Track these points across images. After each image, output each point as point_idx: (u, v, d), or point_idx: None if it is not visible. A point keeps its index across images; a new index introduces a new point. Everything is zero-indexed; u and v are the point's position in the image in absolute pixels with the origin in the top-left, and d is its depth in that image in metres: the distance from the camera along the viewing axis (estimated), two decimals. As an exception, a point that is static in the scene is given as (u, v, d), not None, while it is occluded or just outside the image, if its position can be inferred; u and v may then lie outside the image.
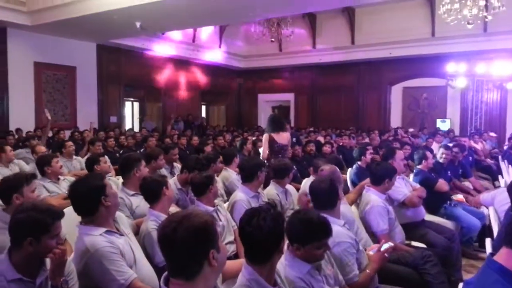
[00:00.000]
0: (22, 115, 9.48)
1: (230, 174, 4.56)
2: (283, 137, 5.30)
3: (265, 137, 5.34)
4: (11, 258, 1.75)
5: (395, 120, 13.77)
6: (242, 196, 3.24)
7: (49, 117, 7.15)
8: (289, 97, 15.89)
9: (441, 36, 11.65)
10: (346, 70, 14.18)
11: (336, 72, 14.37)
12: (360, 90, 14.28)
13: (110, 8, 7.71)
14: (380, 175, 3.30)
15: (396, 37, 12.28)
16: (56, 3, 8.28)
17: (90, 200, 2.13)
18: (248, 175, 3.37)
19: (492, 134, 10.08)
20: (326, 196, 2.49)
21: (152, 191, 2.63)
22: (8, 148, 4.99)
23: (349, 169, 5.09)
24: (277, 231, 1.66)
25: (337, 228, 2.35)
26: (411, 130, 10.75)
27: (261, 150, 5.56)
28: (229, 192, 4.26)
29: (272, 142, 5.22)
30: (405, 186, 3.84)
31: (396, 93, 13.87)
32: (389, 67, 13.42)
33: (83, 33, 9.88)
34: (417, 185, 4.05)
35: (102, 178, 2.27)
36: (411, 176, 4.50)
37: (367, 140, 8.43)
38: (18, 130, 8.67)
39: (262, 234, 1.62)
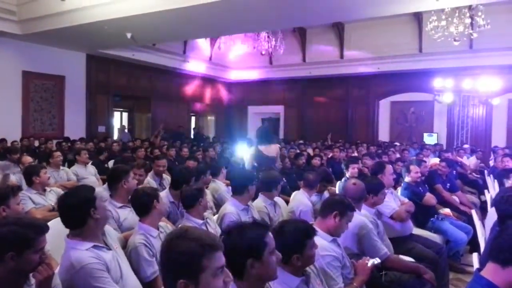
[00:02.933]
0: (8, 125, 9.32)
1: (219, 186, 4.54)
2: (272, 150, 5.37)
3: (251, 150, 5.40)
4: (-7, 274, 1.71)
5: (383, 133, 13.93)
6: (232, 209, 3.22)
7: None
8: (279, 109, 15.98)
9: (428, 52, 11.88)
10: (335, 83, 14.34)
11: (325, 86, 14.53)
12: (349, 103, 14.43)
13: (101, 19, 7.69)
14: (367, 189, 3.31)
15: (384, 52, 12.50)
16: (47, 13, 8.23)
17: (78, 212, 2.10)
18: (238, 187, 3.36)
19: (465, 145, 10.32)
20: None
21: (143, 204, 2.59)
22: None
23: (338, 182, 5.11)
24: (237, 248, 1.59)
25: (322, 242, 2.38)
26: (397, 144, 10.86)
27: None
28: (218, 204, 4.24)
29: (260, 154, 5.27)
30: (393, 201, 3.87)
31: (384, 107, 14.05)
32: (377, 81, 13.63)
33: (73, 42, 9.84)
34: (406, 199, 4.08)
35: (92, 190, 2.24)
36: (399, 190, 4.54)
37: (355, 153, 8.49)
38: (2, 140, 8.46)
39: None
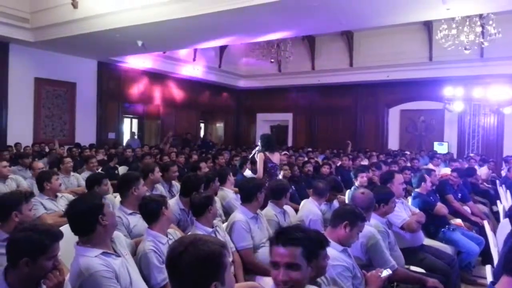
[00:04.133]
0: (20, 130, 9.46)
1: (227, 194, 4.53)
2: (276, 157, 5.68)
3: (260, 157, 5.50)
4: (7, 278, 1.73)
5: (393, 142, 13.85)
6: (241, 217, 3.20)
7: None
8: (288, 117, 15.98)
9: (439, 60, 11.83)
10: (344, 91, 14.31)
11: (334, 94, 14.51)
12: (358, 111, 14.39)
13: (113, 27, 7.80)
14: (376, 199, 3.29)
15: (394, 61, 12.47)
16: (59, 21, 8.37)
17: (87, 219, 2.12)
18: (248, 195, 3.34)
19: (471, 154, 10.20)
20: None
21: (151, 211, 2.60)
22: (3, 163, 4.94)
23: (348, 191, 5.08)
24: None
25: (333, 252, 2.35)
26: (407, 153, 10.77)
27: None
28: (226, 212, 4.24)
29: (266, 161, 5.46)
30: (404, 211, 3.83)
31: (393, 115, 13.98)
32: (386, 89, 13.58)
33: (84, 50, 9.97)
34: (417, 210, 4.04)
35: (100, 197, 2.25)
36: (410, 199, 4.50)
37: (365, 162, 8.43)
38: (17, 144, 8.64)
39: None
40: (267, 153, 5.53)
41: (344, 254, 2.44)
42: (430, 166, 7.65)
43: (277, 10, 6.52)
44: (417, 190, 4.47)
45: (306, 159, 8.07)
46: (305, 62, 14.44)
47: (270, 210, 3.63)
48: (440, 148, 12.34)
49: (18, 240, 1.73)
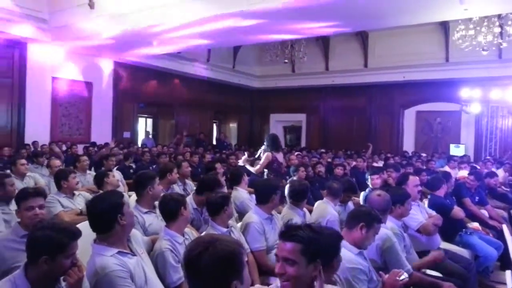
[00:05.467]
0: (37, 129, 9.62)
1: (241, 194, 4.53)
2: (281, 157, 5.94)
3: (267, 156, 5.68)
4: (27, 274, 1.76)
5: (408, 143, 13.69)
6: (256, 218, 3.19)
7: None
8: (301, 117, 15.94)
9: (455, 61, 11.67)
10: (358, 92, 14.21)
11: (349, 94, 14.42)
12: (372, 112, 14.27)
13: (128, 27, 7.88)
14: (392, 200, 3.24)
15: (409, 61, 12.35)
16: (76, 21, 8.50)
17: (106, 217, 2.14)
18: (263, 196, 3.32)
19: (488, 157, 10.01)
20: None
21: (170, 210, 2.62)
22: (21, 161, 5.03)
23: (362, 193, 5.03)
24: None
25: (349, 254, 2.35)
26: (423, 155, 10.63)
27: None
28: (240, 212, 4.24)
29: (272, 160, 5.66)
30: (420, 213, 3.78)
31: (409, 117, 13.83)
32: (402, 90, 13.44)
33: (101, 50, 10.10)
34: (433, 212, 3.98)
35: (121, 196, 2.27)
36: (426, 202, 4.44)
37: (380, 163, 8.35)
38: (34, 142, 8.80)
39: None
40: (274, 153, 5.73)
41: (360, 257, 2.42)
42: (447, 168, 7.53)
43: (291, 10, 6.50)
44: (433, 192, 4.41)
45: (320, 160, 8.02)
46: (319, 62, 14.39)
47: (289, 213, 3.57)
48: (457, 150, 12.14)
49: (38, 238, 1.76)
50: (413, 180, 4.07)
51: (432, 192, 4.45)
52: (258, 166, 5.77)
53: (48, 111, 10.05)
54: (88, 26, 8.41)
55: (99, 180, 4.16)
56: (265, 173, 5.71)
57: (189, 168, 5.43)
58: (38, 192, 2.65)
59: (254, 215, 3.25)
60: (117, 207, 2.16)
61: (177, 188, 4.72)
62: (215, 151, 10.32)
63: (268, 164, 5.66)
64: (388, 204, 3.10)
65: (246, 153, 6.91)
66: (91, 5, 8.06)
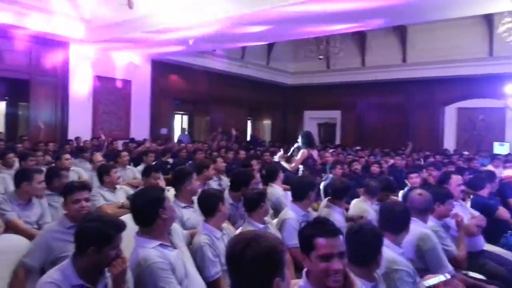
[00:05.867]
0: (80, 125, 10.03)
1: (276, 191, 4.53)
2: (316, 154, 6.04)
3: (303, 152, 5.74)
4: (75, 264, 1.85)
5: (449, 141, 13.20)
6: (292, 215, 3.19)
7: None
8: (336, 114, 15.74)
9: (500, 55, 11.12)
10: (396, 88, 13.82)
11: (386, 90, 14.06)
12: (410, 109, 13.86)
13: (166, 26, 8.05)
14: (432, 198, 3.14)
15: (450, 56, 11.89)
16: (116, 21, 8.76)
17: (149, 211, 2.20)
18: (300, 193, 3.31)
19: None
20: (396, 220, 2.44)
21: (209, 205, 2.67)
22: (66, 156, 5.28)
23: (401, 192, 4.91)
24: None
25: (393, 254, 2.29)
26: (466, 153, 10.22)
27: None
28: (275, 208, 4.25)
29: (308, 157, 5.73)
30: (463, 214, 3.64)
31: (450, 114, 13.34)
32: (442, 86, 12.96)
33: (139, 48, 10.37)
34: (476, 213, 3.83)
35: (162, 191, 2.34)
36: (469, 202, 4.27)
37: (419, 162, 8.11)
38: (77, 138, 9.18)
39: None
40: (310, 150, 5.80)
41: (404, 257, 2.36)
42: (490, 167, 7.21)
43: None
44: (476, 192, 4.24)
45: (355, 157, 7.89)
46: (355, 58, 14.12)
47: (330, 211, 3.54)
48: (501, 149, 11.60)
49: (86, 230, 1.84)
50: (456, 179, 3.93)
51: (475, 192, 4.28)
52: (293, 163, 5.81)
53: (90, 108, 10.44)
54: (127, 26, 8.65)
55: (49, 178, 3.84)
56: (300, 170, 5.70)
57: (224, 164, 5.50)
58: (84, 186, 2.76)
59: (290, 212, 3.25)
60: (158, 202, 2.23)
61: (213, 184, 4.80)
62: (249, 148, 10.36)
63: (303, 161, 5.70)
64: (429, 204, 3.01)
65: (281, 149, 6.92)
66: (130, 5, 8.30)
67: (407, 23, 12.09)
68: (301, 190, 3.31)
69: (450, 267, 2.72)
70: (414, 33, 12.86)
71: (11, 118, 10.24)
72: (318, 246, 1.63)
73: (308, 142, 5.94)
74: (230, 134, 11.32)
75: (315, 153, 5.99)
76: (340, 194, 3.59)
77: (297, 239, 3.02)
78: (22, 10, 8.16)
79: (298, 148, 6.01)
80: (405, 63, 13.13)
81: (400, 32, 13.04)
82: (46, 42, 9.37)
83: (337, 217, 3.43)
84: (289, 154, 6.78)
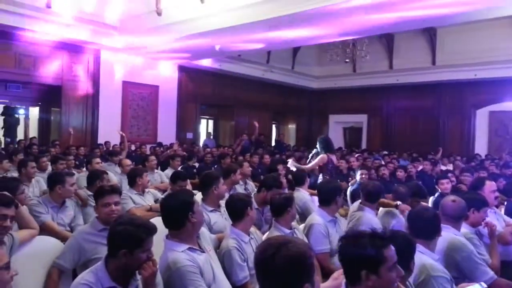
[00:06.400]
0: (109, 129, 10.26)
1: (303, 195, 4.51)
2: (335, 158, 6.09)
3: (323, 158, 5.77)
4: (107, 266, 1.89)
5: (480, 146, 12.76)
6: (320, 220, 3.16)
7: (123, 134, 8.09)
8: (362, 118, 15.50)
9: (534, 57, 10.71)
10: (425, 91, 13.50)
11: (414, 94, 13.76)
12: (440, 113, 13.49)
13: (193, 32, 8.18)
14: (467, 205, 3.04)
15: (482, 58, 11.52)
16: (145, 27, 8.97)
17: (178, 214, 2.23)
18: (327, 198, 3.29)
19: None
20: (427, 226, 2.38)
21: (237, 209, 2.68)
22: (96, 160, 5.43)
23: (431, 198, 4.78)
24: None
25: (430, 261, 2.22)
26: (499, 158, 9.85)
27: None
28: (302, 213, 4.23)
29: (328, 162, 5.78)
30: (497, 221, 3.51)
31: (481, 117, 12.92)
32: (473, 89, 12.57)
33: (166, 54, 10.56)
34: (511, 220, 3.69)
35: (192, 195, 2.37)
36: (502, 209, 4.12)
37: (449, 167, 7.88)
38: (106, 142, 9.41)
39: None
40: (330, 154, 5.85)
41: (441, 265, 2.30)
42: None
43: (354, 9, 6.36)
44: (511, 199, 4.09)
45: (382, 162, 7.74)
46: (382, 61, 13.88)
47: (368, 216, 3.47)
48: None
49: (118, 233, 1.87)
50: (490, 185, 3.79)
51: (510, 198, 4.12)
52: (310, 165, 5.86)
53: (119, 113, 10.70)
54: (155, 32, 8.83)
55: (92, 180, 3.99)
56: (320, 176, 5.68)
57: (250, 168, 5.53)
58: (114, 190, 2.82)
59: (317, 217, 3.22)
60: (188, 206, 2.26)
61: (239, 188, 4.81)
62: (274, 152, 10.34)
63: (323, 165, 5.72)
64: (463, 211, 2.92)
65: (292, 158, 6.94)
66: (159, 12, 8.48)
67: (438, 25, 11.81)
68: (328, 195, 3.28)
69: (491, 273, 2.62)
70: (443, 34, 12.55)
71: (44, 123, 10.60)
72: (389, 256, 1.56)
73: (327, 147, 5.96)
74: (253, 128, 11.30)
75: (334, 157, 6.00)
76: (372, 197, 3.53)
77: (325, 245, 3.03)
78: (55, 19, 8.47)
79: (317, 154, 6.02)
80: (434, 66, 12.81)
81: (429, 34, 12.75)
82: (77, 49, 9.70)
83: (372, 220, 3.39)
84: (308, 160, 6.75)
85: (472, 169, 5.92)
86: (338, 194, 3.28)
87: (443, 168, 7.76)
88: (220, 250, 2.58)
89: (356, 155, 8.99)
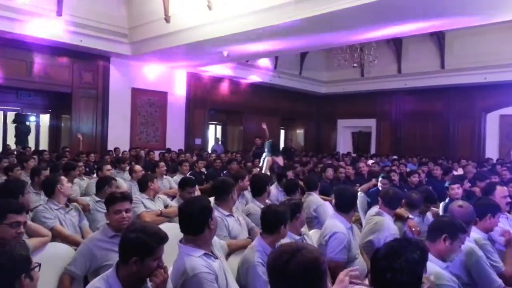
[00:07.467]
0: (119, 136, 10.36)
1: (317, 199, 4.49)
2: (280, 160, 7.20)
3: (268, 160, 6.94)
4: (118, 273, 1.89)
5: (491, 150, 12.60)
6: (343, 229, 3.05)
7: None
8: (371, 123, 15.42)
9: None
10: (434, 95, 13.42)
11: (423, 98, 13.68)
12: (450, 117, 13.38)
13: (201, 39, 8.23)
14: (482, 211, 3.01)
15: (491, 61, 11.42)
16: (154, 35, 9.06)
17: (198, 220, 2.23)
18: (345, 204, 3.20)
19: None
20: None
21: (272, 223, 2.55)
22: (107, 167, 5.46)
23: (441, 203, 4.74)
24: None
25: (436, 268, 2.20)
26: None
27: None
28: (315, 217, 4.23)
29: (273, 163, 6.76)
30: (509, 227, 3.47)
31: (492, 121, 12.77)
32: (483, 93, 12.46)
33: (174, 61, 10.64)
34: (525, 226, 3.63)
35: (209, 202, 2.37)
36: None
37: (459, 171, 7.79)
38: (116, 149, 9.47)
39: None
40: (274, 157, 6.97)
41: (448, 272, 2.27)
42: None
43: (364, 13, 6.35)
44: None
45: (392, 167, 7.67)
46: (390, 65, 13.81)
47: (385, 220, 3.42)
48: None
49: (130, 240, 1.88)
50: (501, 190, 3.77)
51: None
52: (263, 169, 6.91)
53: (128, 119, 10.78)
54: (164, 39, 8.91)
55: (100, 187, 4.03)
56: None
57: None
58: (125, 197, 2.83)
59: (340, 224, 3.10)
60: (208, 211, 2.27)
61: (248, 194, 4.79)
62: (283, 158, 10.31)
63: (269, 167, 6.71)
64: (471, 216, 2.89)
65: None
66: (167, 19, 8.56)
67: (446, 29, 11.75)
68: (348, 202, 3.21)
69: (498, 281, 2.58)
70: (452, 38, 12.47)
71: (54, 130, 10.72)
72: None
73: (273, 150, 7.22)
74: (263, 132, 11.32)
75: (280, 159, 7.14)
76: (393, 203, 3.50)
77: (344, 255, 2.96)
78: (65, 27, 8.59)
79: (266, 156, 7.28)
80: (443, 70, 12.72)
81: (438, 38, 12.69)
82: (87, 56, 9.81)
83: (391, 226, 3.36)
84: (260, 164, 7.66)
85: (485, 174, 5.84)
86: (355, 202, 3.24)
87: (454, 173, 7.66)
88: (243, 261, 2.51)
89: (370, 161, 8.95)
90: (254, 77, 13.21)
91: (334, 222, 3.16)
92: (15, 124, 10.28)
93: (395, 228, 3.41)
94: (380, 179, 5.29)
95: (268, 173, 6.33)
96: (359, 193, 5.13)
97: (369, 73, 14.21)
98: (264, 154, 7.32)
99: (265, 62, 13.32)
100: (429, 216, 4.06)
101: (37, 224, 2.95)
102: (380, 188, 5.11)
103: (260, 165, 7.47)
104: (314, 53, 14.28)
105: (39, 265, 1.62)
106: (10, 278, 1.48)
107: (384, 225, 3.36)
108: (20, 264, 1.52)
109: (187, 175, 6.27)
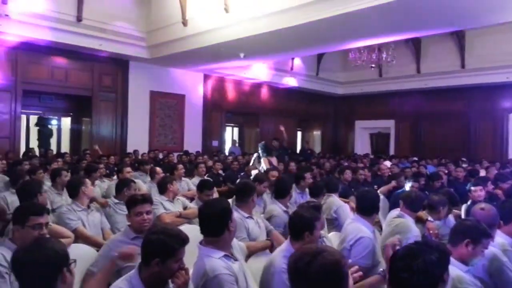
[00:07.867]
0: (138, 138, 10.50)
1: (337, 201, 4.47)
2: (274, 160, 7.72)
3: (265, 160, 7.52)
4: (141, 274, 1.92)
5: (514, 151, 12.32)
6: (369, 233, 2.96)
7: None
8: (389, 124, 15.21)
9: None
10: (454, 95, 13.17)
11: (443, 98, 13.43)
12: (471, 117, 13.10)
13: (218, 41, 8.29)
14: (508, 214, 2.93)
15: (513, 60, 11.16)
16: (171, 38, 9.16)
17: (218, 222, 2.24)
18: (368, 207, 3.12)
19: None
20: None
21: (299, 229, 2.46)
22: (127, 169, 5.54)
23: (463, 206, 4.64)
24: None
25: (458, 272, 2.16)
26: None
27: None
28: (336, 218, 4.22)
29: (269, 163, 7.29)
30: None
31: (514, 121, 12.47)
32: (505, 92, 12.19)
33: (192, 64, 10.74)
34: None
35: (229, 204, 2.38)
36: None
37: (482, 173, 7.61)
38: (135, 151, 9.60)
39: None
40: (269, 157, 7.48)
41: (471, 276, 2.22)
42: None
43: (382, 14, 6.29)
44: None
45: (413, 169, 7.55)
46: (409, 65, 13.61)
47: (407, 222, 3.37)
48: None
49: (152, 242, 1.90)
50: (526, 192, 3.67)
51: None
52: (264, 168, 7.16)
53: (147, 122, 10.93)
54: (182, 43, 9.00)
55: (120, 189, 4.07)
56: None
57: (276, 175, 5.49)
58: (146, 199, 2.86)
59: (365, 229, 2.99)
60: (228, 213, 2.27)
61: (266, 197, 4.79)
62: (300, 160, 10.27)
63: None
64: (494, 219, 2.81)
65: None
66: (185, 23, 8.66)
67: (466, 28, 11.53)
68: (371, 204, 3.14)
69: None
70: (472, 37, 12.21)
71: (75, 133, 10.92)
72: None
73: (267, 152, 7.75)
74: (281, 134, 11.31)
75: (274, 160, 7.64)
76: (415, 206, 3.45)
77: (368, 260, 2.89)
78: (86, 32, 8.77)
79: (259, 157, 7.81)
80: (464, 69, 12.47)
81: (457, 37, 12.45)
82: (106, 60, 9.99)
83: (414, 228, 3.31)
84: (250, 164, 7.90)
85: (508, 176, 5.69)
86: (378, 204, 3.20)
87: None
88: (268, 265, 2.46)
89: (389, 163, 8.83)
90: (270, 79, 13.18)
91: (358, 226, 3.04)
92: (37, 127, 10.50)
93: (417, 230, 3.36)
94: (410, 183, 5.18)
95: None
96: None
97: (387, 73, 14.04)
98: (255, 155, 8.01)
99: (281, 63, 13.29)
100: (451, 218, 3.99)
101: (61, 225, 3.02)
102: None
103: (251, 164, 7.84)
104: (331, 54, 14.19)
105: (75, 261, 1.72)
106: (55, 271, 1.61)
107: (407, 227, 3.31)
108: (62, 258, 1.66)
109: (205, 177, 6.32)
